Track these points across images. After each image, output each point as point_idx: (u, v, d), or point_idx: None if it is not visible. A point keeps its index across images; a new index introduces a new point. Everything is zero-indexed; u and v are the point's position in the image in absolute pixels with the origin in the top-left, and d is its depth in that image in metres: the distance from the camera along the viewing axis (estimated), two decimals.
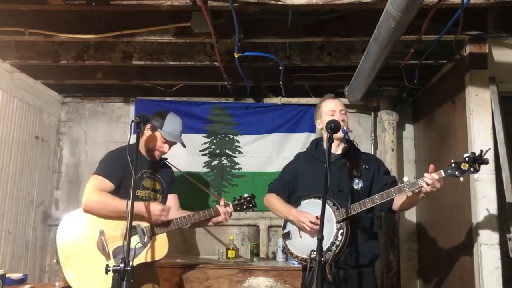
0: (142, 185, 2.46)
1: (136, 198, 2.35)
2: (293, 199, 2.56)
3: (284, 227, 2.53)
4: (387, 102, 4.07)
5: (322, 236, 1.94)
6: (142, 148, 2.52)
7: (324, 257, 2.21)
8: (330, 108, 2.50)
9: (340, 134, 2.39)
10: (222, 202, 2.59)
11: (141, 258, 2.33)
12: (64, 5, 2.54)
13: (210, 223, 2.61)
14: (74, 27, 2.98)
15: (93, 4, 2.53)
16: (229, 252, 3.86)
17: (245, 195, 2.71)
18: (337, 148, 2.52)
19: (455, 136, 3.19)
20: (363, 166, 2.48)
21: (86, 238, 2.35)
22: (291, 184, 2.58)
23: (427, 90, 3.89)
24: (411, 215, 4.18)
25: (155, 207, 2.35)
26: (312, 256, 1.90)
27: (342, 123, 2.37)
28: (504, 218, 2.77)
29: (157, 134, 2.51)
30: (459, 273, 3.09)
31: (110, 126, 4.48)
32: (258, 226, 4.15)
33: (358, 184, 2.43)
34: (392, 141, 4.02)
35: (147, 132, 2.52)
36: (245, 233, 4.23)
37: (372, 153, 4.20)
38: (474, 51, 2.96)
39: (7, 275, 2.82)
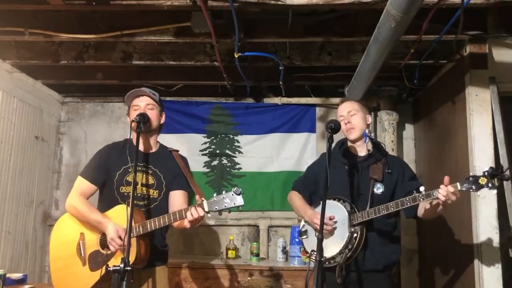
0: (126, 181, 2.32)
1: (121, 195, 2.29)
2: (314, 199, 2.57)
3: (302, 225, 2.56)
4: (387, 102, 4.07)
5: (322, 236, 1.95)
6: (135, 140, 2.27)
7: (335, 259, 2.26)
8: (339, 114, 2.54)
9: (352, 135, 2.43)
10: (198, 201, 2.10)
11: (112, 263, 2.10)
12: (64, 5, 2.53)
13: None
14: (74, 27, 2.97)
15: (93, 4, 2.53)
16: (229, 252, 3.86)
17: (230, 192, 2.07)
18: (360, 150, 2.51)
19: (455, 136, 3.19)
20: (387, 170, 2.44)
21: (70, 241, 2.28)
22: (313, 183, 2.58)
23: (427, 90, 3.89)
24: None
25: (108, 232, 2.13)
26: (312, 256, 1.90)
27: (348, 125, 2.43)
28: (504, 218, 2.77)
29: (130, 109, 2.38)
30: (459, 273, 3.09)
31: (110, 126, 4.48)
32: (258, 226, 4.15)
33: (379, 189, 2.40)
34: (392, 141, 4.02)
35: (128, 120, 2.38)
36: (245, 233, 4.23)
37: None
38: (474, 51, 2.96)
39: (7, 275, 2.82)
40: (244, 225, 4.22)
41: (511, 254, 2.72)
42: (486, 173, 2.13)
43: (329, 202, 2.39)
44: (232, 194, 2.05)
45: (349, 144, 2.54)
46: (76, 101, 4.53)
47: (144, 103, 2.35)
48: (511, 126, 2.97)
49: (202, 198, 2.11)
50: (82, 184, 2.34)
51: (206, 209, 2.08)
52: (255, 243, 3.93)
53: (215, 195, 2.09)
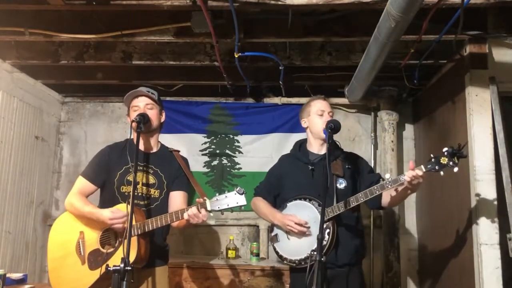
0: (126, 180, 2.32)
1: (122, 194, 2.30)
2: (279, 202, 2.58)
3: (272, 230, 2.56)
4: (387, 102, 4.07)
5: (322, 236, 1.95)
6: (136, 139, 2.27)
7: (312, 257, 2.25)
8: (319, 108, 2.53)
9: (323, 135, 2.43)
10: (200, 201, 2.12)
11: (113, 262, 2.12)
12: (64, 5, 2.53)
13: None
14: (74, 27, 2.97)
15: (93, 4, 2.53)
16: (229, 252, 3.86)
17: (233, 191, 2.09)
18: (320, 148, 2.55)
19: (455, 136, 3.19)
20: (346, 166, 2.51)
21: (69, 240, 2.29)
22: (277, 186, 2.60)
23: (427, 90, 3.89)
24: (411, 215, 4.18)
25: (105, 216, 2.15)
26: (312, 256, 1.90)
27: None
28: (504, 218, 2.77)
29: (129, 109, 2.39)
30: (459, 273, 3.09)
31: (110, 126, 4.48)
32: (258, 226, 4.16)
33: (341, 184, 2.45)
34: (392, 141, 4.02)
35: (129, 121, 2.41)
36: (245, 233, 4.23)
37: (372, 153, 4.21)
38: (474, 51, 2.96)
39: (7, 275, 2.81)
40: (244, 225, 4.22)
41: (511, 254, 2.72)
42: (446, 153, 2.22)
43: (297, 203, 2.44)
44: (235, 194, 2.08)
45: (311, 143, 2.57)
46: (76, 101, 4.53)
47: (143, 103, 2.36)
48: (511, 126, 2.97)
49: (205, 198, 2.12)
50: (82, 183, 2.36)
51: (209, 208, 2.09)
52: (255, 243, 3.93)
53: (217, 194, 2.10)
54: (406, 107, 4.32)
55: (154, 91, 2.43)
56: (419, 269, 4.09)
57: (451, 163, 2.20)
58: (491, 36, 2.91)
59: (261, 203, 2.60)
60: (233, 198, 2.07)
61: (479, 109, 2.90)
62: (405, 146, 4.31)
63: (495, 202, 2.79)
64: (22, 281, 2.94)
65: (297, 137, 4.25)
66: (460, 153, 2.22)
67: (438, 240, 3.54)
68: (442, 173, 2.22)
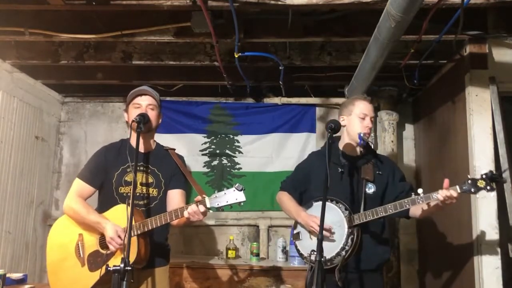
0: (124, 181, 2.31)
1: (120, 195, 2.29)
2: (305, 199, 2.55)
3: (295, 228, 2.53)
4: (387, 102, 4.07)
5: (322, 237, 1.95)
6: (134, 139, 2.23)
7: (333, 261, 2.25)
8: (363, 111, 2.46)
9: (358, 139, 2.41)
10: (198, 198, 2.10)
11: (113, 263, 2.09)
12: (64, 5, 2.54)
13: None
14: (74, 27, 2.98)
15: (93, 4, 2.53)
16: (229, 252, 3.86)
17: (232, 188, 2.06)
18: (352, 151, 2.51)
19: (455, 136, 3.19)
20: (377, 172, 2.46)
21: (68, 242, 2.28)
22: (303, 183, 2.57)
23: (427, 90, 3.89)
24: None
25: (107, 233, 2.14)
26: (312, 256, 1.90)
27: (368, 130, 2.43)
28: (504, 218, 2.77)
29: (129, 105, 2.38)
30: (459, 273, 3.09)
31: (110, 126, 4.48)
32: (258, 226, 4.15)
33: (370, 189, 2.42)
34: (392, 141, 4.02)
35: (125, 117, 2.40)
36: (245, 233, 4.23)
37: None
38: (474, 51, 2.96)
39: (7, 275, 2.82)
40: (244, 225, 4.21)
41: (511, 254, 2.72)
42: (484, 176, 2.15)
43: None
44: (234, 190, 2.04)
45: (345, 144, 2.52)
46: (76, 101, 4.53)
47: (145, 103, 2.34)
48: (511, 126, 2.97)
49: (204, 195, 2.10)
50: (80, 186, 2.34)
51: (208, 206, 2.07)
52: (255, 243, 3.93)
53: (216, 191, 2.09)
54: (406, 107, 4.32)
55: (156, 92, 2.43)
56: (419, 269, 4.09)
57: (488, 187, 2.13)
58: (491, 36, 2.91)
59: (286, 199, 2.57)
60: (232, 195, 2.04)
61: (479, 109, 2.90)
62: (405, 146, 4.31)
63: (495, 202, 2.79)
64: (22, 281, 2.94)
65: (297, 137, 4.30)
66: (499, 179, 2.18)
67: (438, 240, 3.54)
68: (477, 196, 2.17)
